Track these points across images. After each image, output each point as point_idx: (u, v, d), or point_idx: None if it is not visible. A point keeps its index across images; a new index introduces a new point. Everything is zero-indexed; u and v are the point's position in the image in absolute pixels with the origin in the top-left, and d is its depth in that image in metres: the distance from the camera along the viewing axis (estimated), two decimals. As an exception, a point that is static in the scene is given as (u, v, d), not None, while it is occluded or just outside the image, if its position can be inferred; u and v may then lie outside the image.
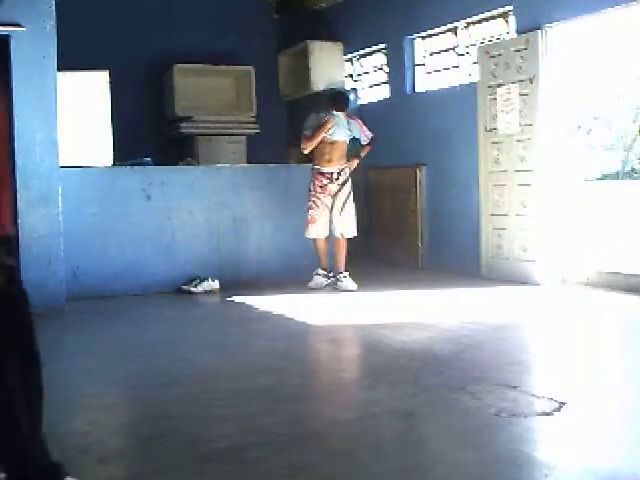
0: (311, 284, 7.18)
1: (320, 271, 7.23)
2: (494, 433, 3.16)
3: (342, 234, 7.23)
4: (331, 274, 7.28)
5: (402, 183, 8.75)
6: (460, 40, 8.33)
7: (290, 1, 10.54)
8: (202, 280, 7.23)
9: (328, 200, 7.19)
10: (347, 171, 7.25)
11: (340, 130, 7.17)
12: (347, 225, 7.24)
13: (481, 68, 7.64)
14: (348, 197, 7.24)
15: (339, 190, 7.20)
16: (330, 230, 7.26)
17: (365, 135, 7.32)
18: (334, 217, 7.20)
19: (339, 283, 7.21)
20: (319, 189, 7.19)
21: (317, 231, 7.21)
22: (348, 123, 7.24)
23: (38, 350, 2.44)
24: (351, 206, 7.27)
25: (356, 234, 7.35)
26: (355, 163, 7.36)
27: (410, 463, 2.89)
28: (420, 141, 8.59)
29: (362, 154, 7.38)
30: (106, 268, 6.87)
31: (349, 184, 7.24)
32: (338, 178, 7.20)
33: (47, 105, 6.33)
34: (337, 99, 7.38)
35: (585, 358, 4.54)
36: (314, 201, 7.20)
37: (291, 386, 4.10)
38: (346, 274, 7.23)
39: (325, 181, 7.18)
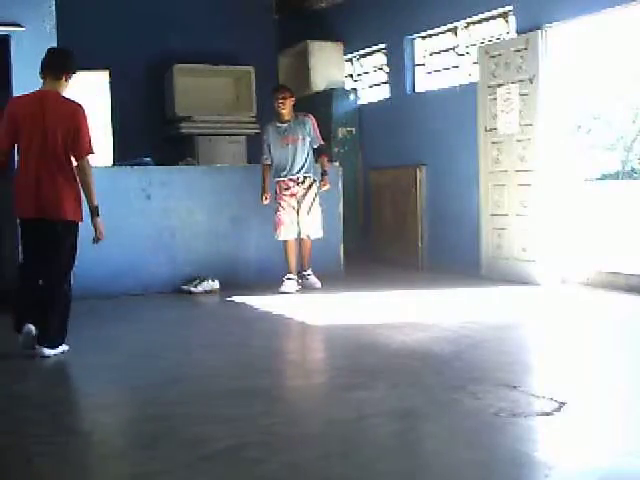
0: (283, 288, 7.04)
1: (291, 275, 7.14)
2: (494, 433, 3.16)
3: (308, 235, 7.21)
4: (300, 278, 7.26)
5: (402, 183, 8.75)
6: (460, 40, 8.33)
7: (290, 1, 10.54)
8: (202, 280, 7.23)
9: (293, 202, 7.14)
10: (312, 176, 7.17)
11: (286, 135, 7.10)
12: (314, 227, 7.19)
13: (481, 68, 7.63)
14: (314, 199, 7.17)
15: (305, 193, 7.14)
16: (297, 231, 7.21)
17: (318, 138, 7.20)
18: (301, 218, 7.13)
19: (304, 280, 7.24)
20: (284, 191, 7.13)
21: (286, 233, 7.15)
22: (302, 123, 7.13)
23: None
24: (318, 208, 7.21)
25: (322, 235, 7.27)
26: (327, 183, 7.16)
27: (410, 463, 2.89)
28: (420, 141, 8.58)
29: (326, 168, 7.20)
30: (106, 268, 6.86)
31: (315, 187, 7.18)
32: (304, 181, 7.15)
33: (47, 105, 6.32)
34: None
35: (585, 358, 4.54)
36: (280, 203, 7.14)
37: (290, 386, 4.10)
38: (310, 272, 7.26)
39: (290, 183, 7.14)
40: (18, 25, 6.21)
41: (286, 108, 7.11)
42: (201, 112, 9.58)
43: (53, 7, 6.35)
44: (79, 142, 4.56)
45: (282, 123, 7.17)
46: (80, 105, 4.64)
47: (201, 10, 9.98)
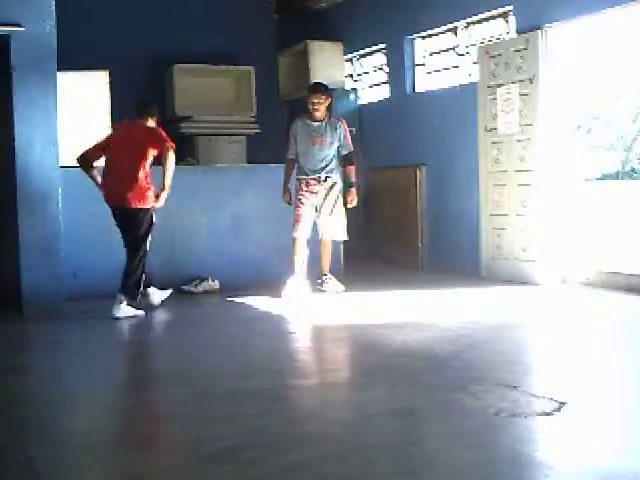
0: (285, 292, 6.76)
1: (295, 278, 6.87)
2: (494, 433, 3.16)
3: (332, 238, 7.05)
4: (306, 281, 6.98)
5: (402, 183, 8.75)
6: (460, 40, 8.33)
7: (290, 1, 10.54)
8: (202, 280, 7.23)
9: (314, 199, 6.94)
10: (335, 177, 6.95)
11: (314, 136, 6.90)
12: (338, 228, 7.04)
13: (481, 68, 7.63)
14: (337, 201, 6.97)
15: (327, 193, 6.93)
16: (317, 232, 7.03)
17: (349, 146, 7.01)
18: (322, 220, 6.97)
19: (325, 285, 7.05)
20: (305, 187, 6.95)
21: (302, 231, 6.92)
22: (334, 127, 6.93)
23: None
24: (342, 210, 7.03)
25: (347, 237, 7.20)
26: (355, 195, 7.02)
27: (410, 463, 2.89)
28: (420, 141, 8.58)
29: (353, 179, 7.03)
30: (106, 268, 6.84)
31: (337, 187, 6.96)
32: (326, 180, 6.93)
33: (47, 105, 6.33)
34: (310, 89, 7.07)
35: (585, 358, 4.54)
36: (300, 199, 6.95)
37: (291, 386, 4.10)
38: (331, 276, 7.09)
39: (312, 182, 6.94)
40: (18, 25, 6.21)
41: (320, 111, 6.90)
42: (201, 112, 9.57)
43: (53, 7, 6.34)
44: (158, 141, 6.05)
45: (313, 121, 6.94)
46: (156, 128, 6.34)
47: (201, 10, 9.98)
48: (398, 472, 2.77)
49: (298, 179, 7.04)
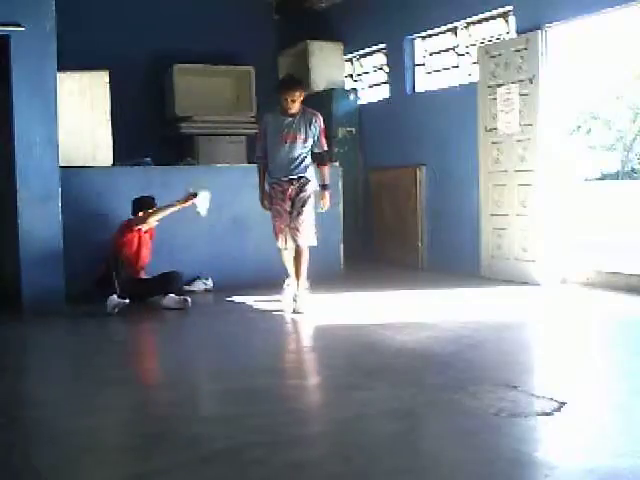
0: (282, 297, 6.47)
1: (290, 281, 6.50)
2: (494, 433, 3.16)
3: (298, 244, 6.23)
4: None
5: (402, 183, 8.75)
6: (460, 40, 8.33)
7: (290, 1, 10.54)
8: (202, 280, 7.24)
9: (288, 204, 6.23)
10: (308, 174, 6.23)
11: (289, 131, 6.18)
12: (305, 232, 6.21)
13: (481, 68, 7.64)
14: (307, 201, 6.20)
15: (299, 192, 6.19)
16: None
17: (322, 144, 6.26)
18: (292, 221, 6.21)
19: (298, 304, 6.14)
20: (280, 194, 6.23)
21: (288, 241, 6.27)
22: (309, 122, 6.19)
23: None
24: (311, 212, 6.24)
25: (315, 244, 6.31)
26: (327, 198, 6.29)
27: (410, 463, 2.89)
28: (420, 141, 8.58)
29: (327, 181, 6.31)
30: (106, 268, 6.86)
31: (310, 188, 6.23)
32: (299, 179, 6.21)
33: (47, 105, 6.33)
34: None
35: (585, 358, 4.54)
36: (277, 208, 6.24)
37: (290, 386, 4.10)
38: (301, 292, 6.22)
39: (286, 185, 6.22)
40: (18, 25, 6.21)
41: (295, 108, 6.14)
42: (201, 112, 9.58)
43: (53, 7, 6.34)
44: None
45: (286, 116, 6.19)
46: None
47: (201, 10, 9.99)
48: (398, 472, 2.78)
49: (270, 184, 6.35)
